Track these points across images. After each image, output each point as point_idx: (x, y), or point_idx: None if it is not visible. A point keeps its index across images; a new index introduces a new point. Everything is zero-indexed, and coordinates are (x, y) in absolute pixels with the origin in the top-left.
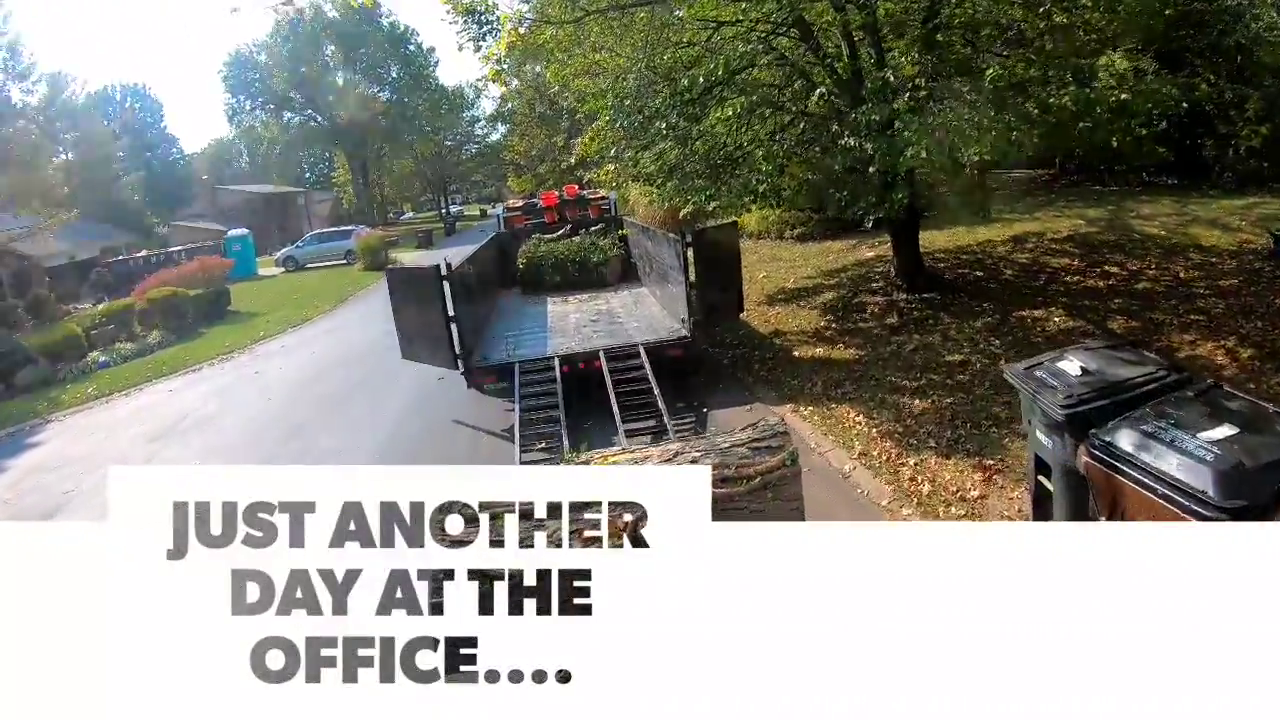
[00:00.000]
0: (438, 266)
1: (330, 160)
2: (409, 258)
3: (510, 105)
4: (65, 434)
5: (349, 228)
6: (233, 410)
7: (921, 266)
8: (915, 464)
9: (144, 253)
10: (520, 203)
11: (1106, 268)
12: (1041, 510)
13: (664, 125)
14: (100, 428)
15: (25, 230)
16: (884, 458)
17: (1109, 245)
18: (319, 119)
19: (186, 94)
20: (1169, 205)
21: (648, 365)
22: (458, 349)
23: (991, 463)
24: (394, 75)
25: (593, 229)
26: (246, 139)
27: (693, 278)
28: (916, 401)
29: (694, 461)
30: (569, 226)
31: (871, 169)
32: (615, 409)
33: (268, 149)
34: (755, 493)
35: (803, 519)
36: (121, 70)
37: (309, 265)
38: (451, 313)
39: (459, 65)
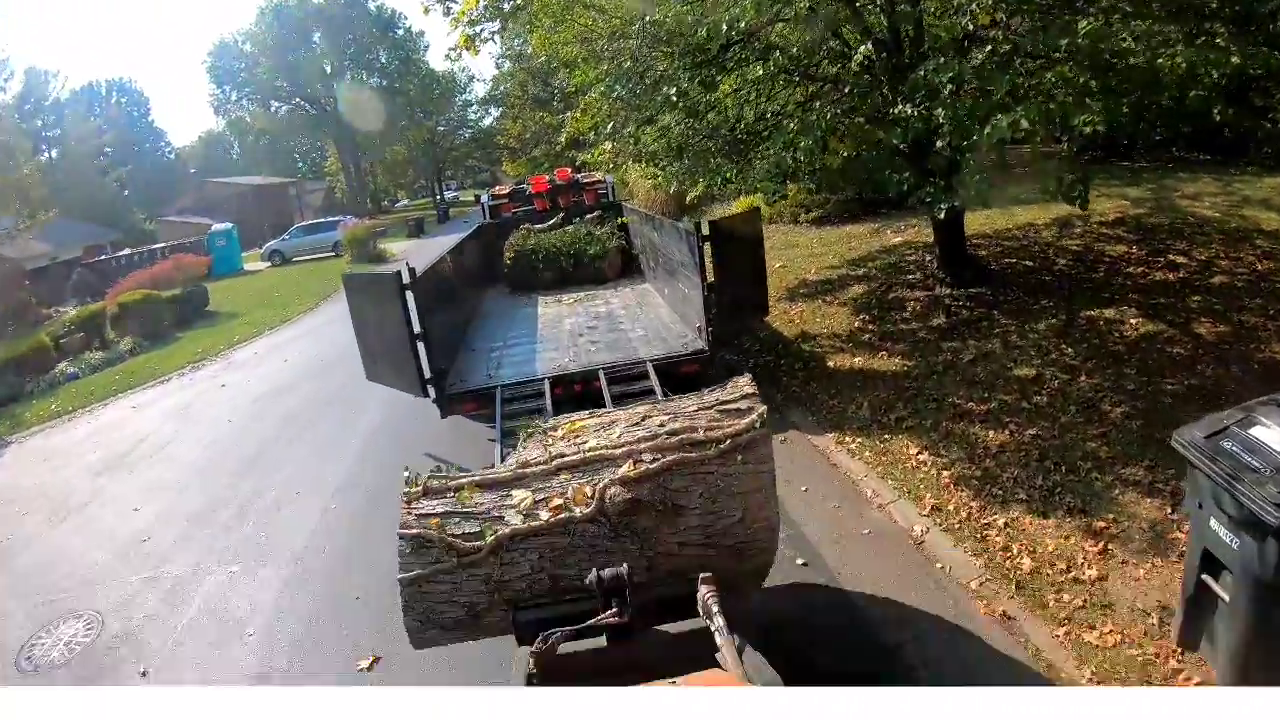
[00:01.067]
0: (398, 275)
1: (322, 150)
2: (399, 248)
3: (503, 88)
4: (19, 461)
5: (335, 219)
6: (190, 433)
7: (968, 257)
8: (1005, 524)
9: (126, 251)
10: (507, 189)
11: (1171, 256)
12: (1198, 619)
13: (673, 92)
14: (56, 453)
15: (3, 232)
16: (962, 513)
17: (1164, 230)
18: (308, 108)
19: (174, 88)
20: (1212, 184)
21: (658, 387)
22: (426, 372)
23: (1103, 524)
24: (383, 61)
25: (588, 217)
26: (235, 131)
27: (710, 277)
28: (991, 433)
29: (662, 425)
30: (562, 215)
31: (940, 143)
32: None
33: (256, 140)
34: (725, 456)
35: (773, 483)
36: (107, 65)
37: (295, 258)
38: (418, 328)
39: (449, 48)
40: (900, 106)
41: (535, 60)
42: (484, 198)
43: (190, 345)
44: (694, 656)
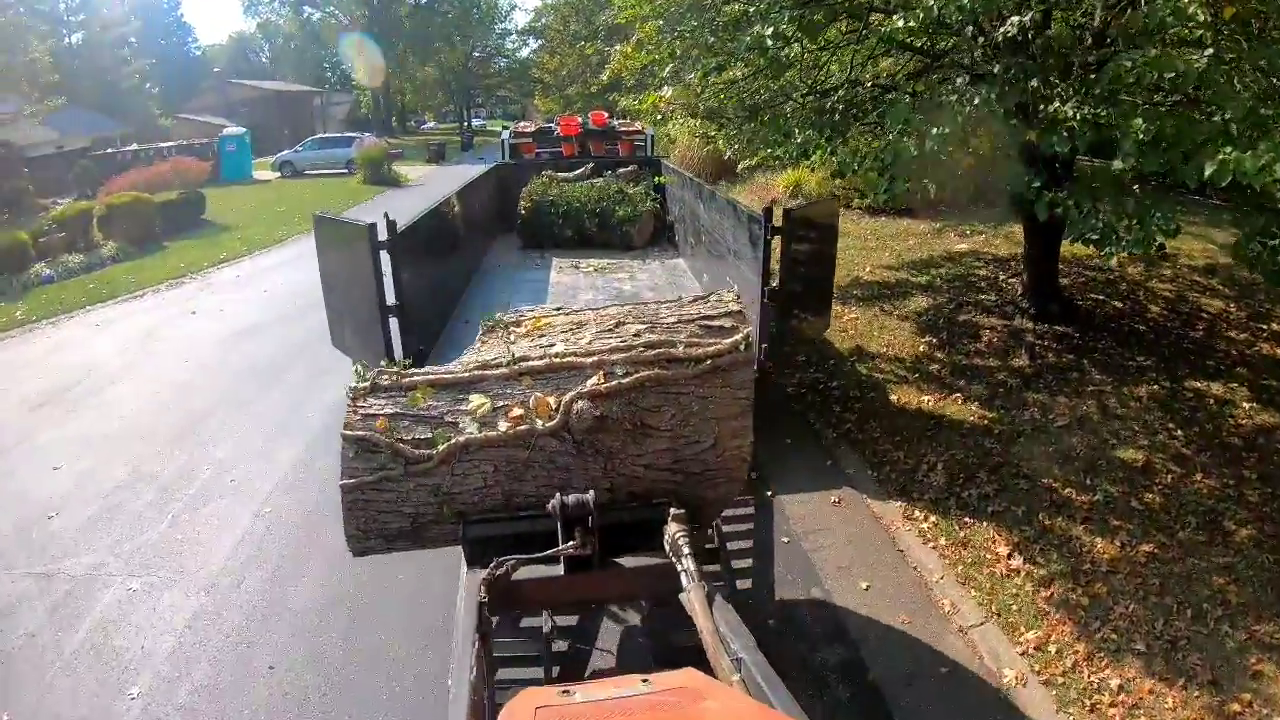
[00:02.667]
0: (372, 228)
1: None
2: (415, 174)
3: (544, 20)
4: None
5: (352, 135)
6: (142, 371)
7: (1058, 289)
8: (1120, 687)
9: (134, 146)
10: (532, 127)
11: (1275, 325)
12: None
13: (769, 33)
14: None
15: (7, 116)
16: (1067, 659)
17: (1261, 288)
18: (340, 16)
19: None
20: None
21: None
22: (398, 354)
23: (1238, 708)
24: None
25: (621, 171)
26: (265, 33)
27: (771, 278)
28: (1099, 540)
29: (637, 335)
30: (591, 164)
31: (1121, 165)
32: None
33: (285, 45)
34: (703, 377)
35: (750, 411)
36: None
37: (307, 172)
38: (392, 299)
39: None
40: (1060, 105)
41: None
42: (505, 134)
43: (174, 258)
44: (657, 593)
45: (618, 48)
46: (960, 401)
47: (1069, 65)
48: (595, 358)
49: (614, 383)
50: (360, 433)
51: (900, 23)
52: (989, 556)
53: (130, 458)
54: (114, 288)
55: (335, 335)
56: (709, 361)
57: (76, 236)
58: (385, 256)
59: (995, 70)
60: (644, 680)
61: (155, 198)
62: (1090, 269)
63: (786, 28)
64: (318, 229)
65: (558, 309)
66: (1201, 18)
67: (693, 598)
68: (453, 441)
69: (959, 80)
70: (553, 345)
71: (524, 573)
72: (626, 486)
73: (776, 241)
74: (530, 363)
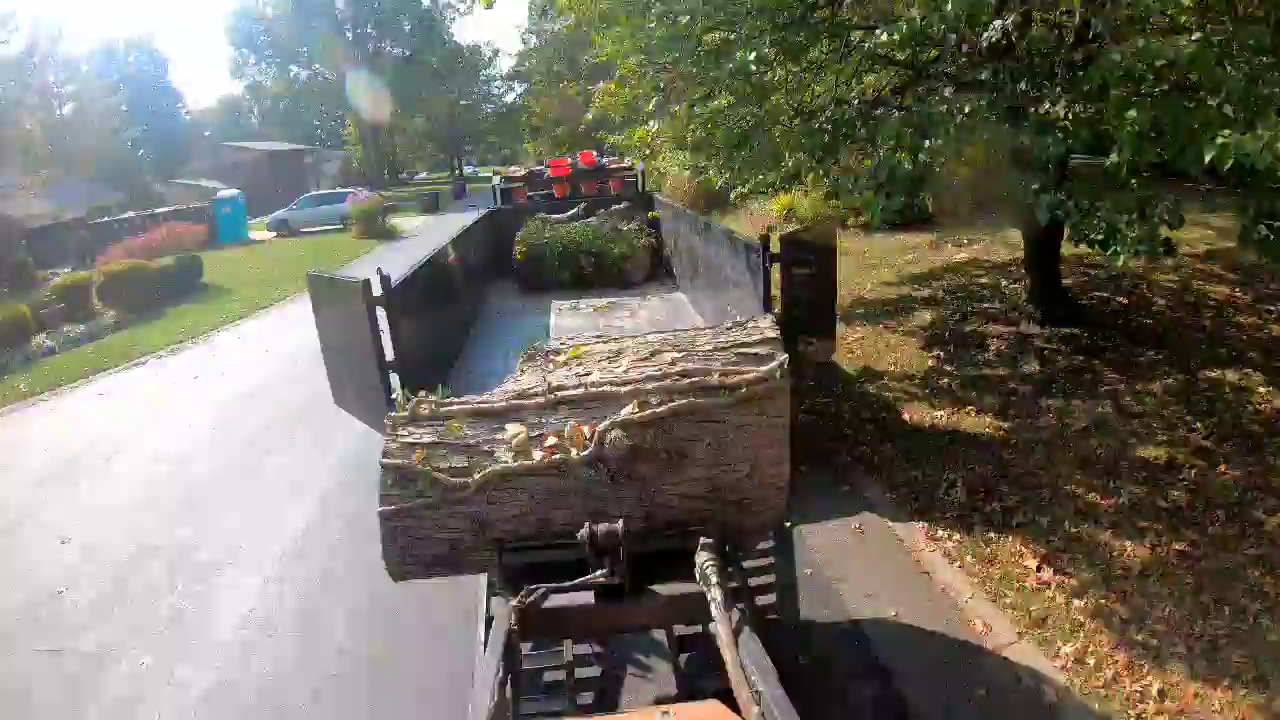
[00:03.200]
0: (366, 285)
1: (341, 118)
2: (410, 224)
3: (527, 64)
4: None
5: (345, 190)
6: (147, 439)
7: (1061, 290)
8: (1161, 692)
9: (130, 214)
10: (522, 171)
11: None
12: None
13: (752, 58)
14: (5, 446)
15: (4, 191)
16: (1107, 670)
17: (1264, 270)
18: (327, 74)
19: (194, 50)
20: None
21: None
22: None
23: None
24: (406, 30)
25: (614, 209)
26: (254, 95)
27: (774, 306)
28: (1128, 544)
29: (672, 363)
30: (583, 204)
31: (1115, 157)
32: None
33: (274, 106)
34: (739, 405)
35: (788, 439)
36: (126, 24)
37: (303, 230)
38: (390, 354)
39: (476, 22)
40: (1051, 106)
41: (561, 33)
42: (496, 180)
43: (174, 323)
44: (687, 621)
45: (601, 85)
46: (974, 414)
47: (1055, 66)
48: (630, 386)
49: (649, 411)
50: (398, 461)
51: (884, 37)
52: (1018, 571)
53: (137, 529)
54: (115, 356)
55: (336, 394)
56: (744, 389)
57: (76, 306)
58: (381, 312)
59: (983, 77)
60: (664, 713)
61: (153, 264)
62: (1092, 267)
63: (769, 51)
64: (312, 287)
65: (597, 337)
66: (1187, 1)
67: (719, 628)
68: (489, 470)
69: (947, 90)
70: (589, 374)
71: (555, 600)
72: (662, 515)
73: (776, 268)
74: (566, 392)
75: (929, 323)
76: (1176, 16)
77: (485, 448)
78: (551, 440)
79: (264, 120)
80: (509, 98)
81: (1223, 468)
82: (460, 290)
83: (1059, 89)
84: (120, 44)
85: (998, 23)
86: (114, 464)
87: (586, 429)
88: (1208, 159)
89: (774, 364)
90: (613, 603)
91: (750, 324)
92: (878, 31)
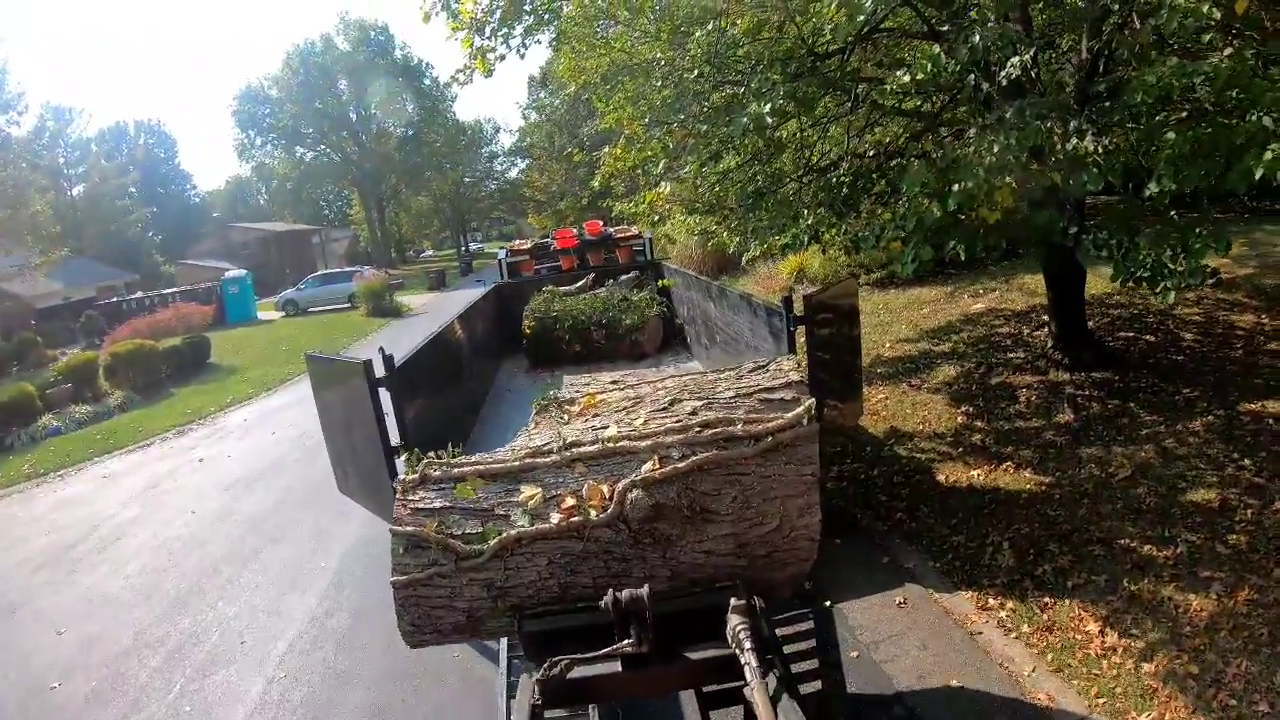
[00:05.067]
0: (368, 366)
1: (347, 197)
2: (418, 302)
3: (529, 139)
4: None
5: (352, 269)
6: (148, 525)
7: (1088, 333)
8: None
9: (139, 294)
10: (528, 244)
11: None
12: None
13: (767, 110)
14: (5, 530)
15: (13, 269)
16: None
17: None
18: (332, 154)
19: (203, 133)
20: None
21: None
22: None
23: None
24: (409, 110)
25: (623, 278)
26: (260, 176)
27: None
28: (1191, 596)
29: (693, 413)
30: (591, 275)
31: (1156, 188)
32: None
33: (281, 186)
34: (765, 455)
35: (817, 486)
36: (136, 108)
37: (310, 309)
38: (397, 439)
39: (477, 99)
40: (1078, 141)
41: (560, 106)
42: (501, 254)
43: (181, 404)
44: (720, 688)
45: (606, 150)
46: (1012, 470)
47: (1079, 98)
48: (649, 440)
49: (670, 468)
50: (409, 528)
51: (903, 78)
52: (1079, 637)
53: (135, 620)
54: (120, 438)
55: (340, 480)
56: (770, 439)
57: (83, 387)
58: (385, 394)
59: (1007, 115)
60: None
61: (160, 344)
62: (1113, 307)
63: (783, 103)
64: (311, 369)
65: (612, 381)
66: (1217, 16)
67: (756, 695)
68: (504, 535)
69: (972, 132)
70: (606, 428)
71: (579, 669)
72: (688, 574)
73: (799, 331)
74: (582, 449)
75: (953, 377)
76: (1201, 36)
77: (500, 511)
78: (569, 501)
79: (271, 200)
80: (512, 173)
81: (1278, 506)
82: (467, 368)
83: (1085, 123)
84: (130, 126)
85: (1016, 59)
86: (115, 550)
87: (605, 488)
88: (1258, 175)
89: (800, 409)
90: (640, 669)
91: (773, 365)
92: (897, 73)
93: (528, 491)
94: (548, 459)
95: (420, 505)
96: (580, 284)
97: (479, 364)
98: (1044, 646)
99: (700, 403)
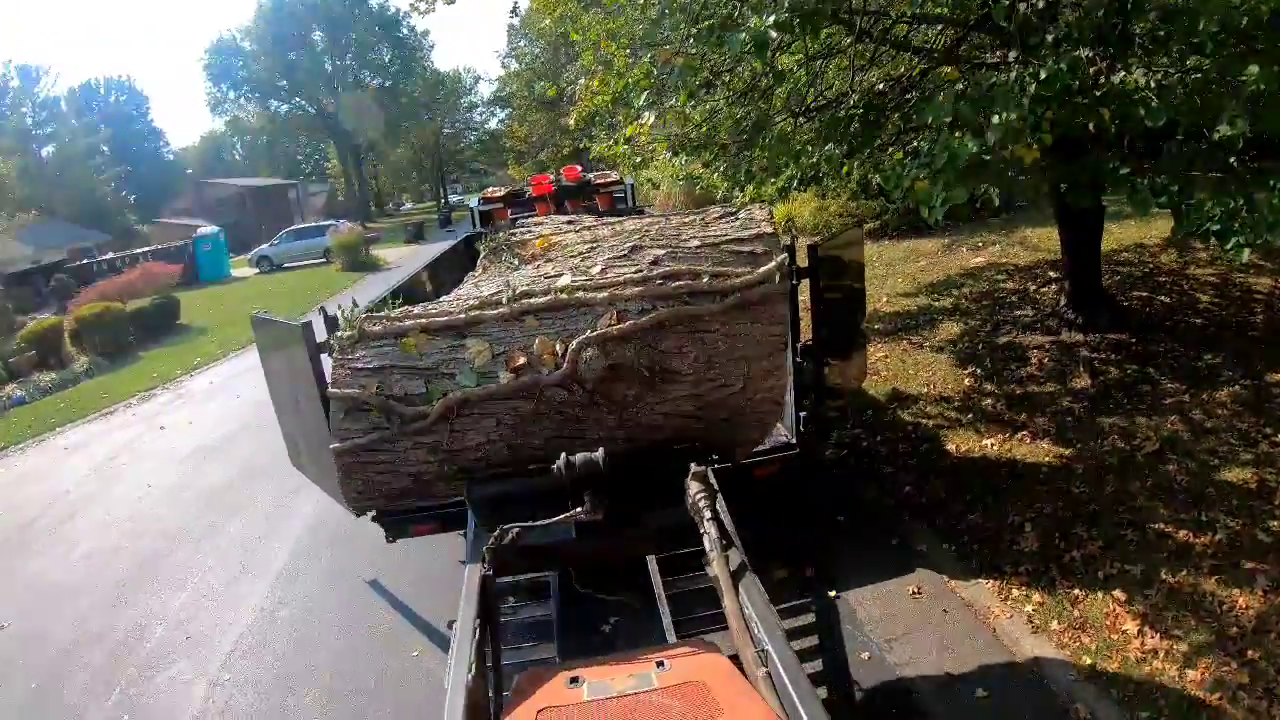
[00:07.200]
0: (307, 325)
1: (324, 151)
2: (394, 255)
3: (508, 89)
4: None
5: (326, 223)
6: (104, 500)
7: (1102, 292)
8: None
9: (109, 255)
10: (502, 191)
11: None
12: None
13: (769, 24)
14: None
15: None
16: None
17: None
18: (308, 107)
19: (175, 89)
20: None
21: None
22: None
23: None
24: (385, 60)
25: None
26: (234, 130)
27: (800, 331)
28: (1236, 593)
29: (655, 263)
30: None
31: (1229, 130)
32: (658, 585)
33: (256, 141)
34: (731, 313)
35: (785, 347)
36: (106, 65)
37: (286, 265)
38: None
39: (455, 49)
40: (1127, 74)
41: (539, 57)
42: (474, 202)
43: (148, 367)
44: (674, 557)
45: (582, 82)
46: (1028, 440)
47: (1128, 25)
48: (607, 292)
49: (628, 324)
50: (349, 390)
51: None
52: (1116, 638)
53: (79, 612)
54: (84, 406)
55: (292, 454)
56: (738, 295)
57: (48, 353)
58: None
59: (1049, 37)
60: (659, 664)
61: (127, 306)
62: (1122, 265)
63: (788, 16)
64: (257, 333)
65: (567, 221)
66: None
67: (717, 570)
68: (449, 396)
69: (1012, 56)
70: (560, 277)
71: (532, 537)
72: (645, 436)
73: (803, 287)
74: (533, 300)
75: (957, 335)
76: None
77: (445, 369)
78: (520, 359)
79: (247, 156)
80: (491, 124)
81: None
82: None
83: (1141, 51)
84: (100, 84)
85: None
86: (67, 530)
87: (558, 345)
88: None
89: (771, 264)
90: (594, 536)
91: (743, 214)
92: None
93: (475, 347)
94: (496, 311)
95: (359, 365)
96: None
97: None
98: (1077, 648)
99: (663, 251)
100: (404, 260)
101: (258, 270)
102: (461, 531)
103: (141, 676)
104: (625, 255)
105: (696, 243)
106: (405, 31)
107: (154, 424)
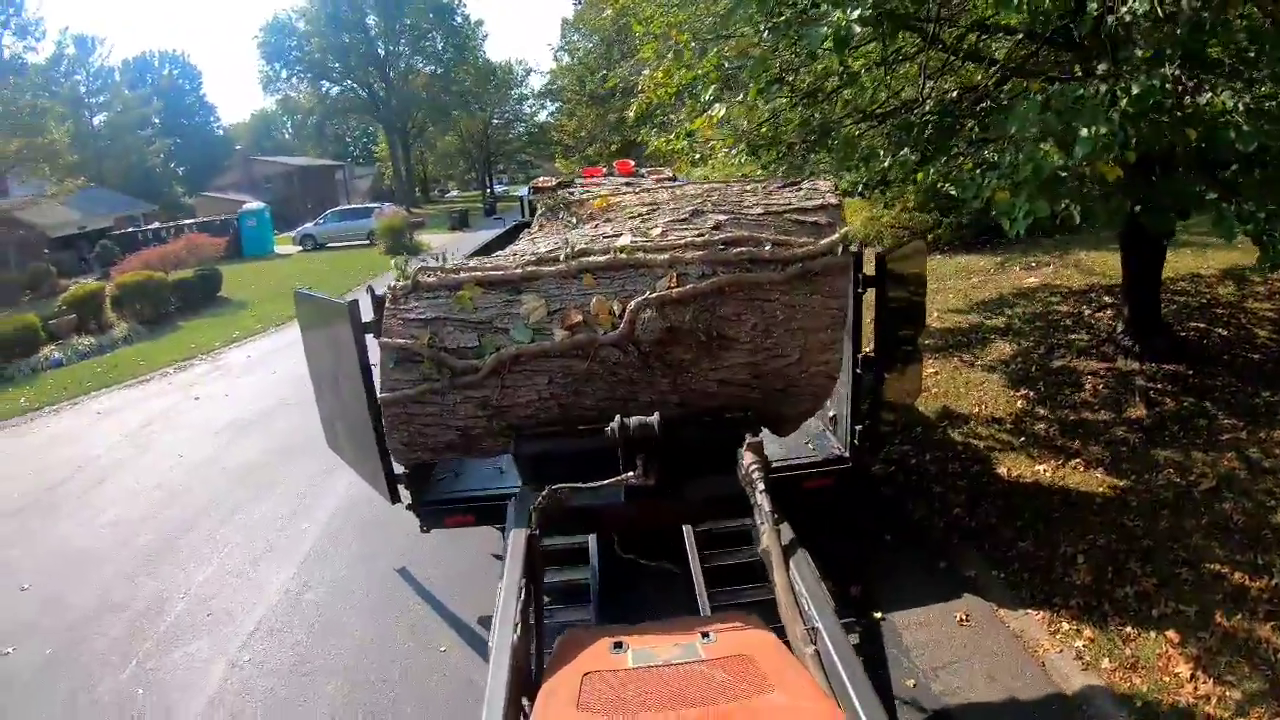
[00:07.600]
0: (353, 305)
1: (373, 134)
2: (438, 241)
3: (559, 83)
4: None
5: (372, 205)
6: (134, 468)
7: (1161, 321)
8: None
9: (155, 224)
10: (553, 181)
11: None
12: None
13: (854, 16)
14: None
15: (29, 199)
16: None
17: None
18: (359, 90)
19: (229, 65)
20: None
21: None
22: (395, 463)
23: None
24: (438, 47)
25: None
26: (285, 109)
27: (861, 342)
28: None
29: (716, 228)
30: None
31: None
32: (699, 578)
33: (305, 120)
34: (791, 282)
35: (843, 322)
36: (161, 38)
37: (329, 244)
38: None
39: (508, 40)
40: (1214, 95)
41: (591, 54)
42: (525, 191)
43: (187, 337)
44: (727, 525)
45: (645, 74)
46: (1081, 469)
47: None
48: (667, 254)
49: (688, 287)
50: (400, 341)
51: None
52: (1168, 681)
53: (102, 580)
54: (121, 372)
55: (329, 435)
56: (800, 265)
57: (88, 318)
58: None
59: (1139, 52)
60: (704, 635)
61: (170, 276)
62: (1179, 294)
63: (871, 12)
64: (299, 309)
65: (627, 184)
66: None
67: (768, 544)
68: (502, 351)
69: (1101, 67)
70: (619, 236)
71: (580, 497)
72: (698, 402)
73: (868, 297)
74: (592, 258)
75: (1010, 356)
76: None
77: (499, 324)
78: (575, 317)
79: (296, 135)
80: (541, 116)
81: None
82: None
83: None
84: (155, 57)
85: None
86: (96, 495)
87: (615, 305)
88: None
89: (835, 236)
90: (644, 501)
91: (806, 184)
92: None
93: (530, 303)
94: (553, 268)
95: (412, 315)
96: None
97: None
98: (1128, 689)
99: (725, 217)
100: (446, 246)
101: (301, 248)
102: (498, 526)
103: (159, 650)
104: (686, 219)
105: (759, 210)
106: (459, 20)
107: (189, 394)
